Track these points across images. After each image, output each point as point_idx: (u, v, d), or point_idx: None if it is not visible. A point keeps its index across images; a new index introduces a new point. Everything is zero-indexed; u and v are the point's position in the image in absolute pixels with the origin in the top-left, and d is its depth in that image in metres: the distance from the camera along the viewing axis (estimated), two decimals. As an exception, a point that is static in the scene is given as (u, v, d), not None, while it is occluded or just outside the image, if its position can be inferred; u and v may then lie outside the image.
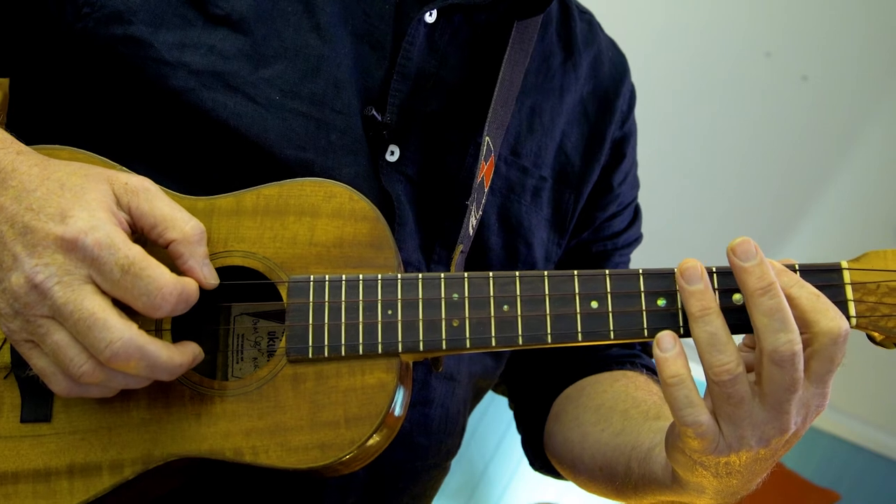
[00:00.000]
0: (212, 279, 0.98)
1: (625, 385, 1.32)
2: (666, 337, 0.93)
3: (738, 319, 0.95)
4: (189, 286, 0.94)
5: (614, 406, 1.26)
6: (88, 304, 0.89)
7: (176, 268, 0.96)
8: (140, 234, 0.97)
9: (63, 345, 0.90)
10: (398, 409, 1.03)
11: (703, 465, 0.95)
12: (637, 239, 1.48)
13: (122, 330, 0.89)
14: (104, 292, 0.91)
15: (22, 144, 0.98)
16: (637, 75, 1.49)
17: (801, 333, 0.90)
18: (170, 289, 0.92)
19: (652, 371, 1.39)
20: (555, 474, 1.43)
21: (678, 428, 0.93)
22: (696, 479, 0.98)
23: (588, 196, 1.36)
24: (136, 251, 0.91)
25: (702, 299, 0.92)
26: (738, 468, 0.96)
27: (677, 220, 3.30)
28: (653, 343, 0.94)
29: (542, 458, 1.43)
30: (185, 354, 0.96)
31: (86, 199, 0.92)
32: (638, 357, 1.41)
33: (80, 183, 0.93)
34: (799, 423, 0.93)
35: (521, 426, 1.48)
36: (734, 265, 0.92)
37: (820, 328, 0.89)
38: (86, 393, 0.94)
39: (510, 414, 1.52)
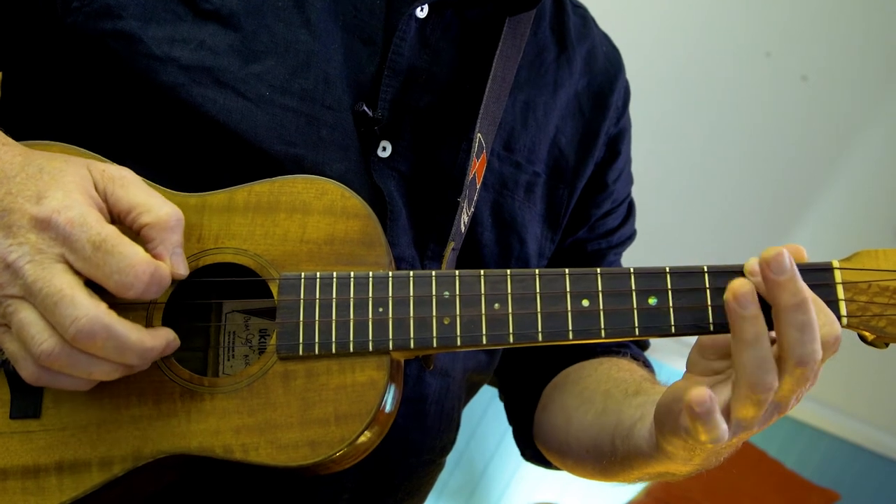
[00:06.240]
0: (180, 269, 0.96)
1: (607, 368, 1.32)
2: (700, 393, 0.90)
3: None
4: (163, 268, 0.92)
5: (596, 388, 1.27)
6: (57, 281, 0.88)
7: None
8: (116, 221, 0.95)
9: (27, 322, 0.88)
10: (389, 407, 1.02)
11: (702, 448, 0.97)
12: (630, 236, 1.48)
13: (88, 307, 0.87)
14: (77, 272, 0.90)
15: (8, 138, 0.97)
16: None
17: None
18: (143, 267, 0.90)
19: (636, 359, 1.40)
20: (545, 464, 1.43)
21: (687, 422, 0.92)
22: (687, 454, 0.99)
23: (582, 193, 1.36)
24: (110, 229, 0.90)
25: (755, 325, 0.89)
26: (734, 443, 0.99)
27: (677, 219, 3.29)
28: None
29: (532, 447, 1.43)
30: (156, 338, 0.93)
31: (63, 181, 0.92)
32: (626, 347, 1.42)
33: (59, 167, 0.93)
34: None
35: (512, 418, 1.48)
36: (767, 278, 0.88)
37: None
38: (55, 381, 0.92)
39: (512, 414, 1.52)
